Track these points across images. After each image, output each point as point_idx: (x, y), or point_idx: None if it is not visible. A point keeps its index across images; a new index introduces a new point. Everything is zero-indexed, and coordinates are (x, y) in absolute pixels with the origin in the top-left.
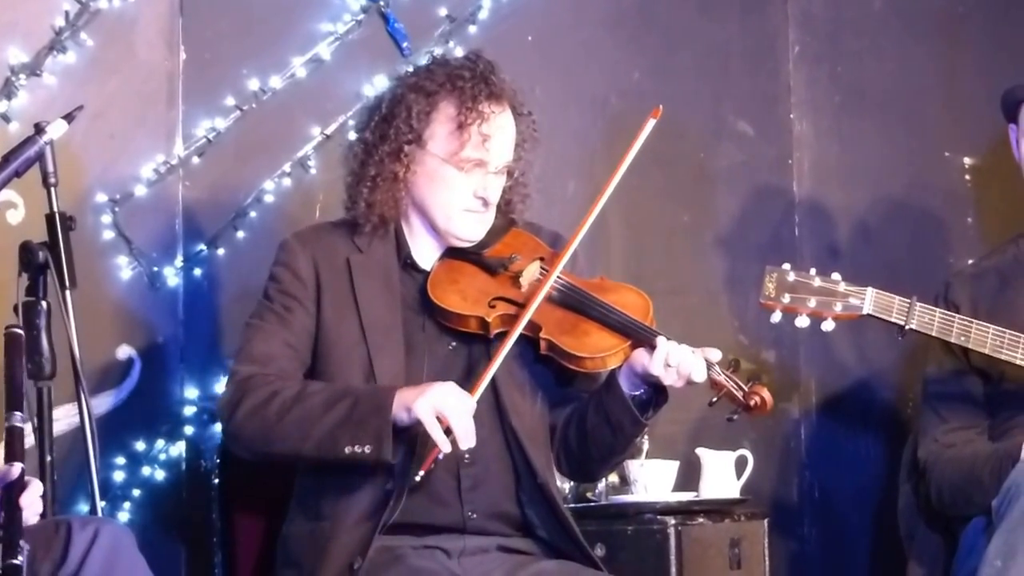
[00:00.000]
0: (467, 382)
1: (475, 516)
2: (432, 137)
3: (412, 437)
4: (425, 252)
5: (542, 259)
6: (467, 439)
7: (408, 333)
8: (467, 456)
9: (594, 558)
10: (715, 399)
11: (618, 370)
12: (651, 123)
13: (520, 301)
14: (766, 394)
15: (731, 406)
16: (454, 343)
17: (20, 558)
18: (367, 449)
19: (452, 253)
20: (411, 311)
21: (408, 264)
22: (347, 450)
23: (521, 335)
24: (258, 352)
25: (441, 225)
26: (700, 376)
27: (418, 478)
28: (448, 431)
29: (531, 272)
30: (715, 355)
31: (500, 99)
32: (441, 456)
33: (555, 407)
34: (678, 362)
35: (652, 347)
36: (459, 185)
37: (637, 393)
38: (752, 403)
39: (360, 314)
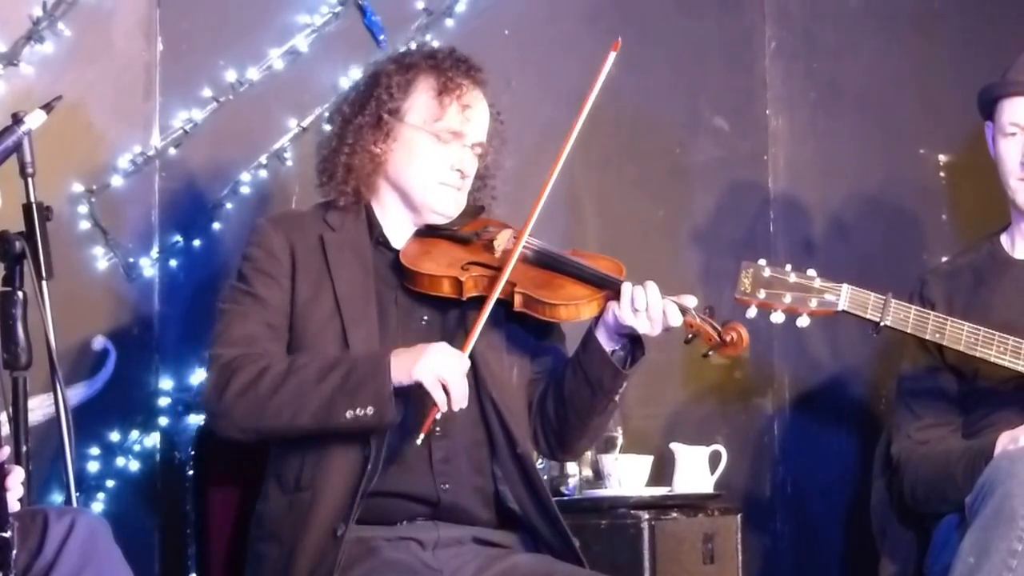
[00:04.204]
0: None
1: (448, 487)
2: (411, 108)
3: (407, 399)
4: (397, 231)
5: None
6: (462, 400)
7: (382, 307)
8: (438, 429)
9: (568, 536)
10: (690, 336)
11: (595, 327)
12: (612, 56)
13: (493, 265)
14: (742, 330)
15: (706, 345)
16: (426, 316)
17: (9, 532)
18: (369, 411)
19: (424, 231)
20: (384, 285)
21: (380, 243)
22: (348, 414)
23: (497, 299)
24: (238, 335)
25: (417, 199)
26: (675, 320)
27: (419, 441)
28: (445, 391)
29: (503, 239)
30: (691, 301)
31: (476, 80)
32: (439, 416)
33: (531, 383)
34: (645, 304)
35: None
36: (436, 156)
37: (615, 349)
38: (728, 339)
39: (335, 288)
